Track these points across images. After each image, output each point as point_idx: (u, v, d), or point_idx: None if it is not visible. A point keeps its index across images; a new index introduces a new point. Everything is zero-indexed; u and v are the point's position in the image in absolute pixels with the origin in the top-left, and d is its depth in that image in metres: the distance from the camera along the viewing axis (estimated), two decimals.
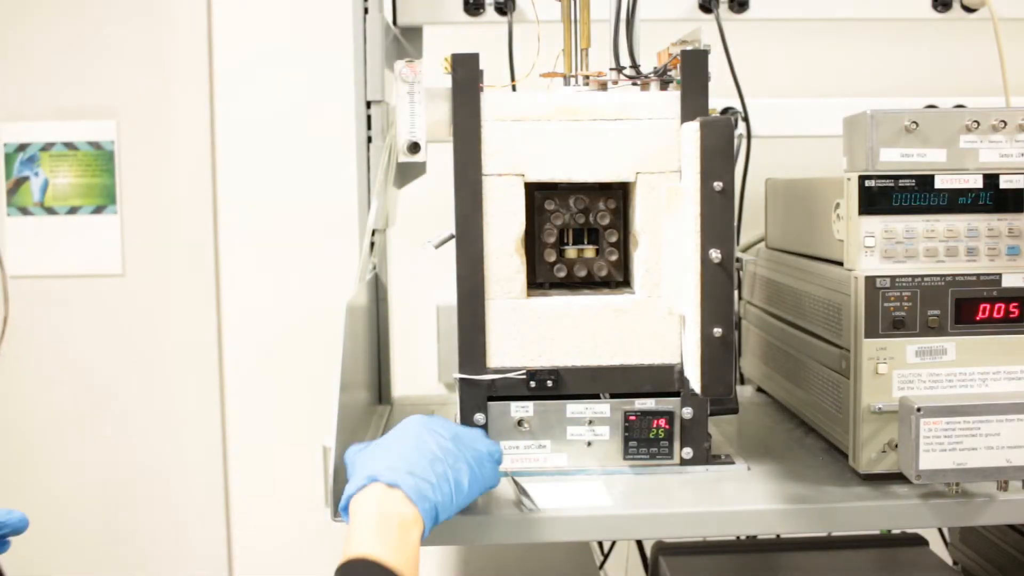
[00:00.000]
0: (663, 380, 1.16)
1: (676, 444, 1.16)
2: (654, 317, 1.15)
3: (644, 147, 1.14)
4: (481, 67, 1.13)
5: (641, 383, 1.16)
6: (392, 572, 0.82)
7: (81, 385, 2.03)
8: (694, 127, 0.97)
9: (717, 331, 0.97)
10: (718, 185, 0.96)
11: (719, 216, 0.97)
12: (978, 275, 1.08)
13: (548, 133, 1.14)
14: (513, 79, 1.51)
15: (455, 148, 1.13)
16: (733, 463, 1.17)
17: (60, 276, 2.02)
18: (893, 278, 1.07)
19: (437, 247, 1.16)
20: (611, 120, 1.14)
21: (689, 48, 1.13)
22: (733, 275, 0.97)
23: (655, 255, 1.15)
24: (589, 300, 1.15)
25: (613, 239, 1.20)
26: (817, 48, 1.89)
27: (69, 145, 2.01)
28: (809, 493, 1.09)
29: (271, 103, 1.96)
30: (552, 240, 1.20)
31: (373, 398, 1.50)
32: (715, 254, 0.96)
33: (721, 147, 0.96)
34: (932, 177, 1.09)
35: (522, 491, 1.07)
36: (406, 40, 1.58)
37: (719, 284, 0.97)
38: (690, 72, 1.12)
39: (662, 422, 1.15)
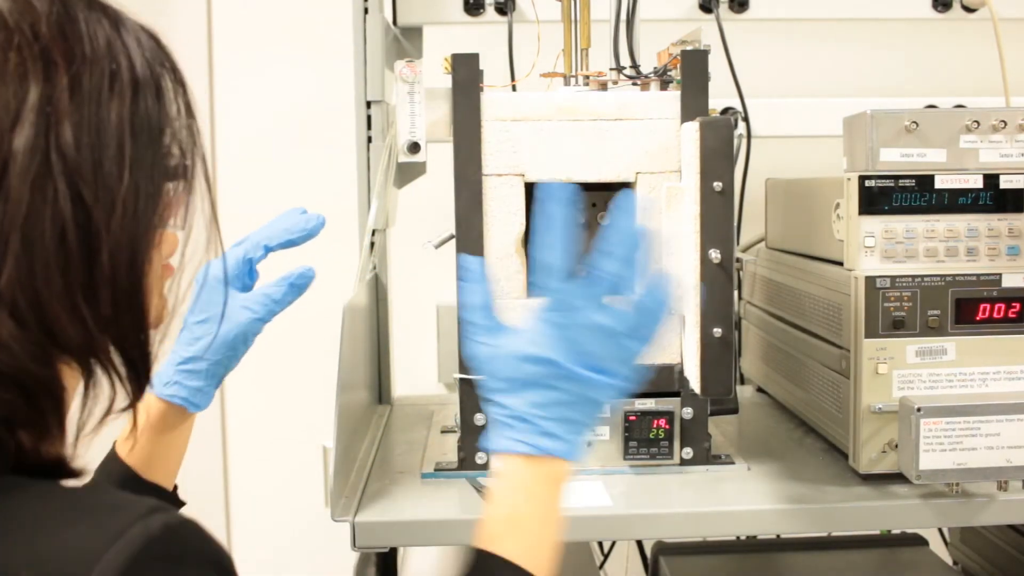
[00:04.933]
0: (663, 380, 1.16)
1: (676, 444, 1.16)
2: None
3: (644, 147, 1.14)
4: (481, 67, 1.13)
5: (641, 383, 1.15)
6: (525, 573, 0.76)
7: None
8: (694, 127, 0.97)
9: (717, 331, 0.97)
10: (718, 185, 0.96)
11: (719, 216, 0.97)
12: (978, 275, 1.08)
13: (548, 133, 1.14)
14: (513, 79, 1.51)
15: (455, 148, 1.13)
16: (733, 463, 1.17)
17: None
18: (893, 278, 1.07)
19: (437, 247, 1.16)
20: (611, 120, 1.14)
21: (689, 48, 1.13)
22: (733, 275, 0.97)
23: (655, 255, 1.14)
24: None
25: None
26: (817, 48, 1.88)
27: None
28: (809, 493, 1.09)
29: (271, 103, 1.96)
30: None
31: (373, 398, 1.50)
32: (715, 254, 0.96)
33: (721, 147, 0.96)
34: (932, 177, 1.09)
35: (484, 494, 1.09)
36: (406, 40, 1.58)
37: (719, 284, 0.97)
38: (690, 72, 1.12)
39: (662, 422, 1.15)
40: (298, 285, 1.01)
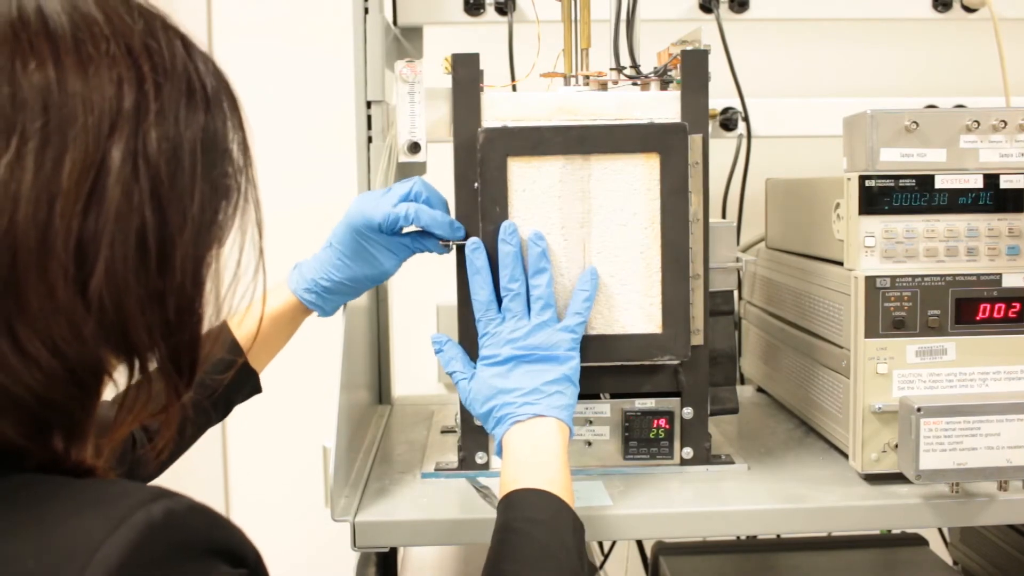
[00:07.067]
0: (663, 380, 1.15)
1: (676, 444, 1.16)
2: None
3: None
4: (481, 67, 1.13)
5: (641, 383, 1.16)
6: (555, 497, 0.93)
7: None
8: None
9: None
10: (476, 185, 1.11)
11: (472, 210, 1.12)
12: (978, 275, 1.08)
13: None
14: (513, 79, 1.51)
15: (455, 148, 1.13)
16: (733, 463, 1.17)
17: None
18: (893, 278, 1.07)
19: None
20: (611, 120, 1.14)
21: (689, 48, 1.13)
22: (483, 258, 1.09)
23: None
24: None
25: None
26: (817, 48, 1.89)
27: None
28: (809, 493, 1.09)
29: (271, 103, 1.96)
30: None
31: (373, 398, 1.50)
32: (472, 243, 1.09)
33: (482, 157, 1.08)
34: (932, 177, 1.09)
35: (483, 494, 1.09)
36: (406, 40, 1.58)
37: (465, 266, 1.10)
38: (690, 72, 1.12)
39: (662, 422, 1.15)
40: (425, 248, 1.14)
